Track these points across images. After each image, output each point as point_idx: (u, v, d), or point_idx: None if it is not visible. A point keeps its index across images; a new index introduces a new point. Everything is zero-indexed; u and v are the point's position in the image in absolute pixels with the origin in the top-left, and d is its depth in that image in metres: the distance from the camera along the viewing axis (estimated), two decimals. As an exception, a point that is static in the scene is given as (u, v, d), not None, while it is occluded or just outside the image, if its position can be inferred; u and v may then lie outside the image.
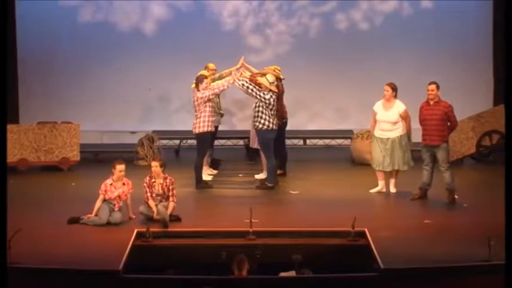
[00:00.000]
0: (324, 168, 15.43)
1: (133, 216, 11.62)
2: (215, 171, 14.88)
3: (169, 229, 11.02)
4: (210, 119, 13.39)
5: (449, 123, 12.55)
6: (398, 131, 12.97)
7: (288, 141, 15.72)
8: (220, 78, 13.98)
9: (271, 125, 13.43)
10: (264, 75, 13.64)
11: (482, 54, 17.15)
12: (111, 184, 11.57)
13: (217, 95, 14.30)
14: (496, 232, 9.65)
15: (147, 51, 17.42)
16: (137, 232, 10.68)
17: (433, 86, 12.53)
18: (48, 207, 12.45)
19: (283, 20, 17.64)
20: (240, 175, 14.76)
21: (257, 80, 13.47)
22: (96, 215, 11.42)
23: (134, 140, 16.52)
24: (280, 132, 14.05)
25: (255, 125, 13.58)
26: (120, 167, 11.55)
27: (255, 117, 13.51)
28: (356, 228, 10.53)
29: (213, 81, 13.72)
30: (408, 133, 13.03)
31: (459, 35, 17.27)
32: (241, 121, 17.45)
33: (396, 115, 12.93)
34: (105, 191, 11.53)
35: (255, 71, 14.07)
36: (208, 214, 12.29)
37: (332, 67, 17.40)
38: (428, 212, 12.13)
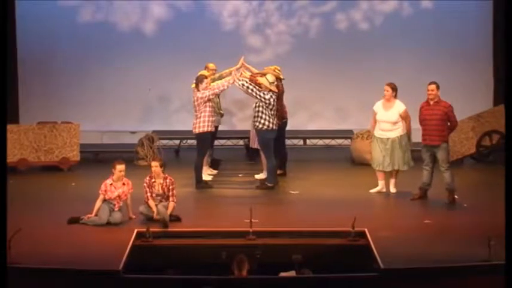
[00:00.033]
0: (324, 168, 15.44)
1: (133, 216, 11.62)
2: (215, 171, 14.88)
3: (169, 229, 11.02)
4: (210, 119, 13.39)
5: (449, 123, 12.56)
6: (398, 131, 12.98)
7: (288, 141, 15.72)
8: (220, 78, 13.98)
9: (271, 125, 13.43)
10: (264, 75, 13.64)
11: (482, 54, 17.15)
12: (111, 184, 11.57)
13: (217, 95, 14.30)
14: (496, 232, 9.65)
15: (147, 51, 17.42)
16: (137, 232, 10.68)
17: (433, 86, 12.54)
18: (48, 207, 12.45)
19: (283, 20, 17.64)
20: (240, 175, 14.76)
21: (257, 80, 13.47)
22: (96, 215, 11.42)
23: (134, 140, 16.52)
24: (280, 132, 14.05)
25: (255, 125, 13.58)
26: (120, 167, 11.55)
27: (255, 117, 13.51)
28: (356, 228, 10.53)
29: (213, 81, 13.72)
30: (408, 133, 13.04)
31: (459, 35, 17.27)
32: (241, 121, 17.45)
33: (396, 115, 12.93)
34: (105, 191, 11.53)
35: (255, 71, 14.07)
36: (208, 214, 12.29)
37: (332, 67, 17.40)
38: (428, 212, 12.13)
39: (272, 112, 13.45)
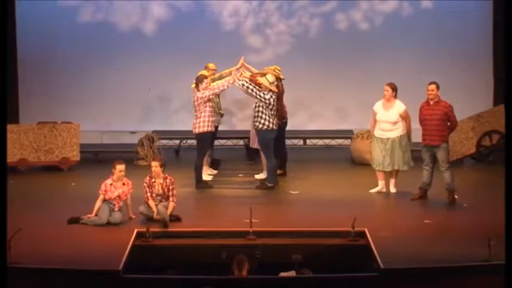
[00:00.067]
0: (324, 168, 15.43)
1: (133, 216, 11.62)
2: (215, 171, 14.88)
3: (169, 229, 11.02)
4: (210, 119, 13.39)
5: (449, 123, 12.55)
6: (398, 131, 12.98)
7: (288, 141, 15.72)
8: (220, 78, 13.98)
9: (271, 125, 13.43)
10: (264, 75, 13.64)
11: (482, 54, 17.15)
12: (111, 184, 11.57)
13: (217, 95, 14.30)
14: (496, 232, 9.65)
15: (147, 51, 17.42)
16: (137, 232, 10.68)
17: (433, 86, 12.53)
18: (48, 207, 12.45)
19: (283, 20, 17.64)
20: (240, 175, 14.76)
21: (257, 80, 13.47)
22: (96, 215, 11.42)
23: (134, 140, 16.52)
24: (280, 132, 14.05)
25: (255, 125, 13.58)
26: (120, 167, 11.55)
27: (255, 117, 13.51)
28: (356, 228, 10.53)
29: (213, 81, 13.72)
30: (408, 133, 13.03)
31: (459, 35, 17.27)
32: (241, 121, 17.45)
33: (396, 115, 12.93)
34: (105, 191, 11.53)
35: (255, 71, 14.07)
36: (208, 214, 12.29)
37: (332, 67, 17.40)
38: (428, 212, 12.13)
39: (272, 112, 13.45)
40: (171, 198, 11.48)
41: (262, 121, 13.39)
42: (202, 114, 13.32)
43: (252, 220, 10.61)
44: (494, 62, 17.04)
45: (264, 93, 13.37)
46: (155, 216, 11.29)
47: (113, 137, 17.49)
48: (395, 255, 9.88)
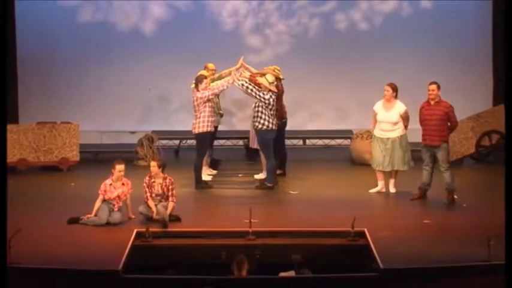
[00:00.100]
0: (323, 168, 15.43)
1: (133, 216, 11.62)
2: (215, 172, 14.88)
3: (169, 229, 11.02)
4: (210, 119, 13.39)
5: (449, 124, 12.56)
6: (398, 131, 12.98)
7: (287, 141, 15.72)
8: (220, 78, 13.98)
9: (270, 125, 13.43)
10: (263, 75, 13.64)
11: (482, 54, 17.15)
12: (110, 184, 11.57)
13: (217, 95, 14.30)
14: (496, 232, 9.65)
15: (147, 51, 17.41)
16: (137, 232, 10.68)
17: (433, 86, 12.53)
18: (48, 207, 12.45)
19: (282, 20, 17.63)
20: (240, 175, 14.76)
21: (257, 80, 13.47)
22: (95, 215, 11.42)
23: (134, 140, 16.51)
24: (280, 132, 14.05)
25: (254, 125, 13.58)
26: (120, 167, 11.55)
27: (254, 117, 13.51)
28: (356, 228, 10.54)
29: (212, 82, 13.72)
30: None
31: (459, 35, 17.27)
32: (240, 121, 17.45)
33: (397, 115, 12.93)
34: (105, 191, 11.53)
35: (255, 71, 14.08)
36: (208, 214, 12.29)
37: (332, 67, 17.40)
38: (428, 212, 12.13)
39: (272, 112, 13.45)
40: (170, 198, 11.48)
41: (262, 121, 13.40)
42: (202, 114, 13.32)
43: (252, 220, 10.62)
44: (493, 62, 17.04)
45: (263, 93, 13.37)
46: (155, 216, 11.29)
47: (112, 137, 17.48)
48: (395, 255, 9.88)
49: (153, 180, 11.56)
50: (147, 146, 15.92)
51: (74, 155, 15.35)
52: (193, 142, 14.73)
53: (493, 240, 9.48)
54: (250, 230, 10.58)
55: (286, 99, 14.43)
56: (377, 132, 13.10)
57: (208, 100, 13.37)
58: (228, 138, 17.26)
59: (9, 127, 14.26)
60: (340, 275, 9.54)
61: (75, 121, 15.60)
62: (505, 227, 9.01)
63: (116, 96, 17.45)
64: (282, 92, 14.10)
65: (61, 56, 17.38)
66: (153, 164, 11.61)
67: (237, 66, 13.98)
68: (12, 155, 14.82)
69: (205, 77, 13.55)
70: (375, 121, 13.12)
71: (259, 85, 13.42)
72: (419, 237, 10.79)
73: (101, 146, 17.15)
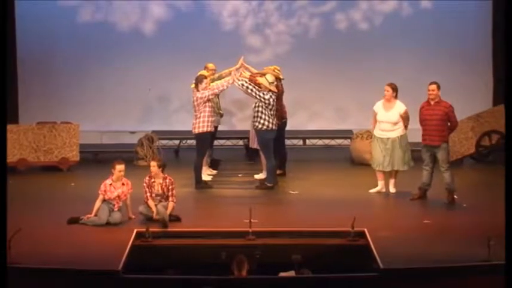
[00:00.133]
0: (323, 168, 15.43)
1: (133, 216, 11.62)
2: (215, 172, 14.88)
3: (169, 229, 11.02)
4: (210, 119, 13.39)
5: (449, 124, 12.55)
6: (398, 131, 12.98)
7: (287, 141, 15.72)
8: (220, 78, 13.98)
9: (270, 125, 13.43)
10: (263, 75, 13.64)
11: (482, 54, 17.15)
12: (110, 184, 11.57)
13: (217, 95, 14.30)
14: (496, 232, 9.65)
15: (147, 51, 17.41)
16: (137, 232, 10.68)
17: (433, 86, 12.53)
18: (48, 207, 12.45)
19: (282, 20, 17.63)
20: (240, 175, 14.76)
21: (257, 80, 13.47)
22: (95, 215, 11.42)
23: (134, 140, 16.51)
24: (280, 132, 14.05)
25: (254, 125, 13.58)
26: (120, 167, 11.55)
27: (254, 117, 13.51)
28: (356, 228, 10.54)
29: (212, 82, 13.72)
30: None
31: (458, 35, 17.27)
32: (240, 121, 17.45)
33: (397, 115, 12.93)
34: (105, 191, 11.53)
35: (255, 71, 14.08)
36: (208, 214, 12.29)
37: (332, 67, 17.40)
38: (428, 212, 12.13)
39: (272, 112, 13.45)
40: (170, 198, 11.48)
41: (262, 121, 13.40)
42: (202, 114, 13.32)
43: (252, 220, 10.62)
44: (493, 62, 17.04)
45: (263, 93, 13.37)
46: (155, 216, 11.29)
47: (112, 137, 17.48)
48: (395, 255, 9.88)
49: (153, 180, 11.56)
50: (147, 146, 15.92)
51: (74, 155, 15.35)
52: (193, 142, 14.72)
53: (493, 240, 9.48)
54: (250, 230, 10.58)
55: (286, 99, 14.44)
56: (377, 132, 13.10)
57: (208, 100, 13.37)
58: (228, 138, 17.26)
59: (9, 127, 14.26)
60: (340, 275, 9.53)
61: (75, 121, 15.60)
62: (505, 227, 9.01)
63: (116, 96, 17.44)
64: (282, 92, 14.10)
65: (61, 56, 17.38)
66: (153, 164, 11.61)
67: (237, 66, 13.98)
68: (12, 155, 14.82)
69: (205, 77, 13.55)
70: (375, 121, 13.12)
71: (259, 85, 13.42)
72: (419, 237, 10.79)
73: (101, 146, 17.14)
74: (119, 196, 11.54)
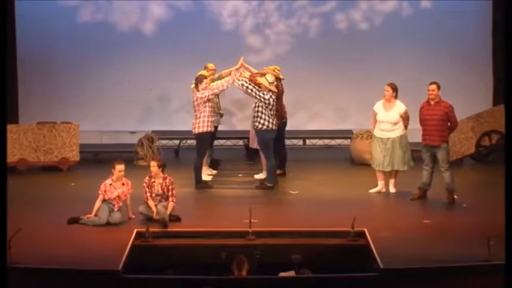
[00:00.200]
0: (323, 168, 15.43)
1: (133, 216, 11.63)
2: (215, 172, 14.88)
3: (169, 229, 11.02)
4: (210, 119, 13.39)
5: (449, 124, 12.55)
6: (398, 131, 12.98)
7: (287, 141, 15.72)
8: (220, 78, 13.98)
9: (270, 125, 13.43)
10: (263, 75, 13.64)
11: (482, 54, 17.15)
12: (110, 184, 11.57)
13: (217, 95, 14.30)
14: (496, 232, 9.65)
15: (147, 51, 17.41)
16: (137, 232, 10.68)
17: (433, 86, 12.53)
18: (48, 207, 12.45)
19: (282, 20, 17.63)
20: (240, 175, 14.76)
21: (257, 80, 13.47)
22: (95, 215, 11.42)
23: (134, 140, 16.51)
24: (280, 132, 14.05)
25: (254, 125, 13.58)
26: (120, 167, 11.55)
27: (254, 117, 13.51)
28: (356, 228, 10.54)
29: (212, 82, 13.72)
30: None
31: (458, 35, 17.27)
32: (240, 121, 17.45)
33: (397, 116, 12.93)
34: (105, 191, 11.53)
35: (255, 71, 14.08)
36: (208, 214, 12.29)
37: (332, 67, 17.40)
38: (428, 212, 12.13)
39: (272, 112, 13.45)
40: (170, 198, 11.48)
41: (262, 121, 13.40)
42: (202, 114, 13.32)
43: (252, 220, 10.62)
44: (493, 62, 17.04)
45: (263, 93, 13.37)
46: (155, 216, 11.29)
47: (112, 137, 17.48)
48: (395, 255, 9.88)
49: (153, 180, 11.56)
50: (147, 146, 15.92)
51: (74, 155, 15.35)
52: (193, 142, 14.72)
53: (493, 240, 9.48)
54: (250, 230, 10.58)
55: (286, 99, 14.43)
56: (377, 132, 13.10)
57: (208, 100, 13.37)
58: (228, 138, 17.26)
59: (9, 127, 14.26)
60: (340, 275, 9.53)
61: (75, 121, 15.60)
62: (505, 227, 9.01)
63: (116, 96, 17.44)
64: (282, 92, 14.10)
65: (61, 56, 17.38)
66: (153, 163, 11.62)
67: (237, 66, 13.98)
68: (12, 155, 14.82)
69: (205, 77, 13.55)
70: (375, 121, 13.11)
71: (259, 85, 13.42)
72: (419, 237, 10.79)
73: (101, 146, 17.14)
74: (119, 196, 11.54)
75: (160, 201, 11.48)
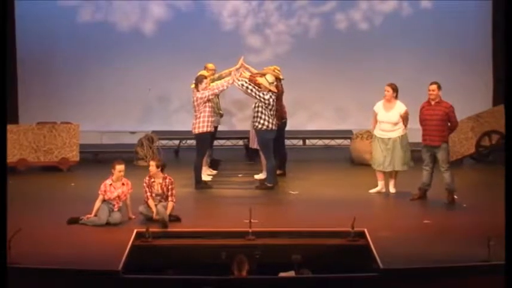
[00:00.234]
0: (323, 168, 15.43)
1: (133, 217, 11.63)
2: (215, 172, 14.88)
3: (169, 229, 11.02)
4: (210, 119, 13.39)
5: (449, 124, 12.55)
6: (399, 131, 12.98)
7: (287, 142, 15.72)
8: (220, 78, 13.98)
9: (270, 125, 13.43)
10: (263, 75, 13.64)
11: (482, 54, 17.15)
12: (110, 184, 11.57)
13: (217, 95, 14.30)
14: (496, 232, 9.65)
15: (147, 51, 17.40)
16: (137, 232, 10.69)
17: (434, 86, 12.53)
18: (48, 207, 12.46)
19: (282, 20, 17.63)
20: (240, 175, 14.75)
21: (256, 80, 13.47)
22: (95, 215, 11.42)
23: (134, 140, 16.51)
24: (280, 132, 14.05)
25: (254, 125, 13.58)
26: (120, 167, 11.55)
27: (254, 117, 13.51)
28: (356, 229, 10.54)
29: (212, 82, 13.72)
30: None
31: (458, 35, 17.27)
32: (240, 121, 17.45)
33: (397, 116, 12.93)
34: (105, 191, 11.53)
35: (255, 71, 14.08)
36: (208, 214, 12.29)
37: (332, 67, 17.40)
38: (428, 212, 12.13)
39: (271, 112, 13.45)
40: (170, 198, 11.48)
41: (262, 121, 13.40)
42: (202, 114, 13.32)
43: (252, 220, 10.62)
44: (493, 62, 17.04)
45: (263, 94, 13.37)
46: (155, 216, 11.29)
47: (112, 137, 17.48)
48: (395, 255, 9.89)
49: (153, 180, 11.56)
50: (147, 146, 15.92)
51: (74, 155, 15.34)
52: (193, 142, 14.72)
53: (493, 240, 9.48)
54: (250, 230, 10.58)
55: (286, 99, 14.43)
56: (377, 133, 13.09)
57: (208, 100, 13.37)
58: (228, 138, 17.26)
59: (9, 127, 14.25)
60: (340, 275, 9.54)
61: (75, 121, 15.60)
62: (505, 227, 9.00)
63: (116, 96, 17.44)
64: (282, 92, 14.10)
65: (61, 56, 17.37)
66: (152, 163, 11.62)
67: (237, 66, 13.99)
68: (12, 155, 14.81)
69: (205, 77, 13.55)
70: (375, 121, 13.11)
71: (259, 85, 13.42)
72: (419, 237, 10.79)
73: (101, 146, 17.14)
74: (118, 196, 11.54)
75: (160, 201, 11.48)
